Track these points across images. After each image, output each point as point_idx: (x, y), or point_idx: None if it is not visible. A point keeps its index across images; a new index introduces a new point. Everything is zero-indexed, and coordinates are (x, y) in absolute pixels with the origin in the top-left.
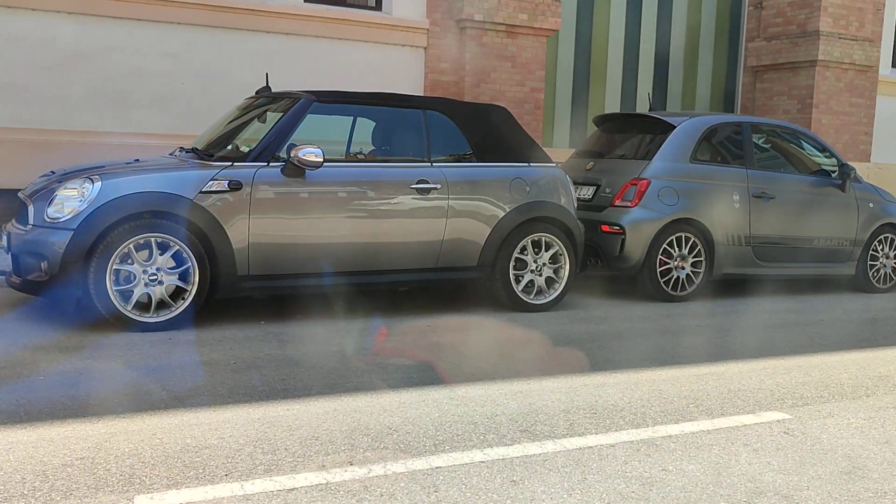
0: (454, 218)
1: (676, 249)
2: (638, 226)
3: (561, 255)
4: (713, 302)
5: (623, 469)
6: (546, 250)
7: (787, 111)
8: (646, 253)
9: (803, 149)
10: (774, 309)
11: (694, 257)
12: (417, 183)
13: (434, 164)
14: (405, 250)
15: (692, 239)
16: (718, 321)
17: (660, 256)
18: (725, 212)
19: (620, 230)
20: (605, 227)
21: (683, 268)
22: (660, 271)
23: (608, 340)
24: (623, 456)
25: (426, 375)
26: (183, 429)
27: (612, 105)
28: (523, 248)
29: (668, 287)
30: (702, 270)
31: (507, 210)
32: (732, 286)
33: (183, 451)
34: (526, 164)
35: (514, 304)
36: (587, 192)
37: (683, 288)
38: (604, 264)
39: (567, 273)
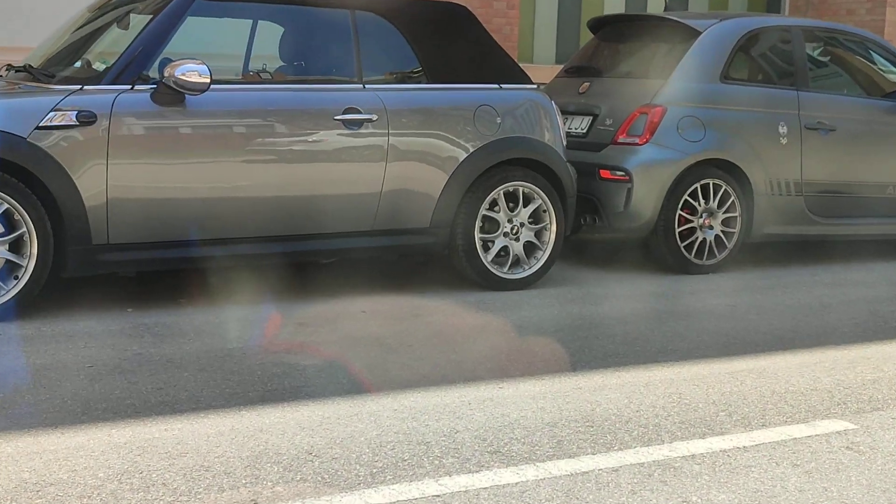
0: (397, 162)
1: (702, 202)
2: (650, 170)
3: (545, 211)
4: (751, 273)
5: (630, 502)
6: (525, 205)
7: (852, 11)
8: (660, 207)
9: (874, 63)
10: (833, 281)
11: (725, 213)
12: (345, 113)
13: (368, 86)
14: (328, 208)
15: (723, 188)
16: (758, 299)
17: (679, 212)
18: (769, 150)
19: (626, 177)
20: (606, 173)
21: (711, 227)
22: (679, 232)
23: (609, 327)
24: (629, 484)
25: (360, 380)
26: (18, 459)
27: (614, 5)
28: (493, 204)
29: (690, 254)
30: (736, 230)
31: (471, 150)
32: (777, 252)
33: (19, 490)
34: (496, 87)
35: (483, 280)
36: (581, 124)
37: (711, 254)
38: (604, 224)
39: (553, 237)
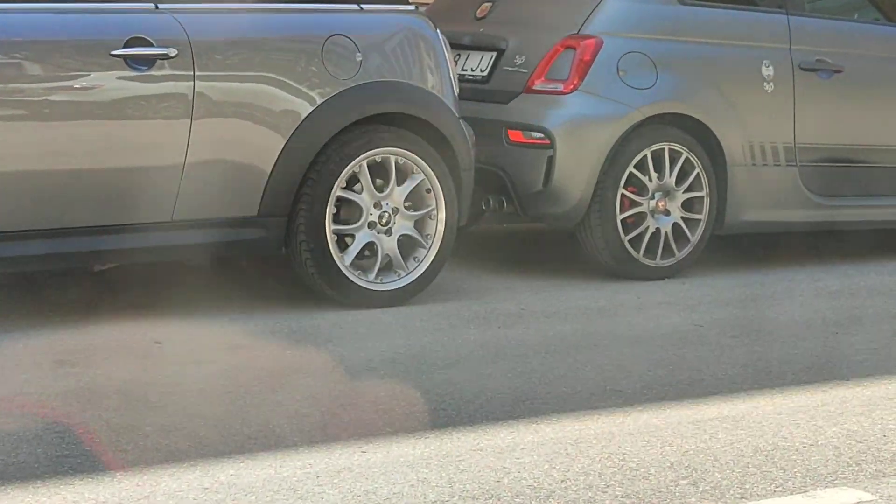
0: (207, 118)
1: (654, 177)
2: (579, 131)
3: (429, 191)
4: (724, 278)
5: None
6: (399, 183)
7: None
8: (595, 185)
9: None
10: (840, 289)
11: (687, 192)
12: (127, 46)
13: (163, 5)
14: (101, 189)
15: (684, 156)
16: (734, 316)
17: (623, 191)
18: (749, 100)
19: (546, 140)
20: (517, 136)
21: (668, 213)
22: (622, 220)
23: (523, 360)
24: None
25: (104, 455)
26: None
27: None
28: (353, 180)
29: (638, 251)
30: (702, 217)
31: (319, 102)
32: (761, 247)
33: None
34: (355, 7)
35: (338, 293)
36: (479, 63)
37: (668, 252)
38: (515, 209)
39: (442, 228)
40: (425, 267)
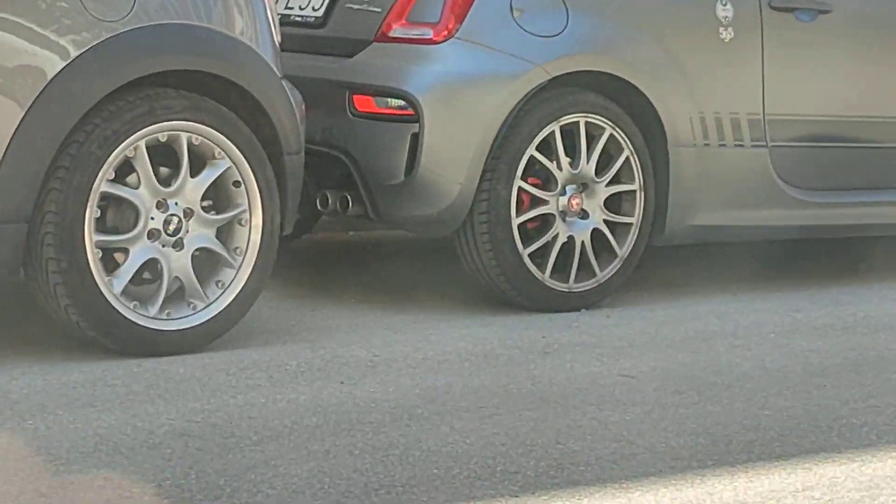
0: None
1: (564, 163)
2: (458, 97)
3: (238, 184)
4: (666, 306)
5: None
6: (194, 172)
7: None
8: (480, 175)
9: None
10: (825, 324)
11: (613, 184)
12: None
13: None
14: None
15: (607, 133)
16: (680, 362)
17: (521, 183)
18: (698, 53)
19: (408, 110)
20: (366, 103)
21: (585, 214)
22: (520, 225)
23: (368, 433)
24: None
25: None
26: None
27: None
28: (125, 168)
29: (543, 268)
30: (634, 220)
31: (74, 55)
32: (720, 262)
33: None
34: None
35: (105, 334)
36: (310, 1)
37: (586, 270)
38: (366, 209)
39: (257, 237)
40: (234, 295)
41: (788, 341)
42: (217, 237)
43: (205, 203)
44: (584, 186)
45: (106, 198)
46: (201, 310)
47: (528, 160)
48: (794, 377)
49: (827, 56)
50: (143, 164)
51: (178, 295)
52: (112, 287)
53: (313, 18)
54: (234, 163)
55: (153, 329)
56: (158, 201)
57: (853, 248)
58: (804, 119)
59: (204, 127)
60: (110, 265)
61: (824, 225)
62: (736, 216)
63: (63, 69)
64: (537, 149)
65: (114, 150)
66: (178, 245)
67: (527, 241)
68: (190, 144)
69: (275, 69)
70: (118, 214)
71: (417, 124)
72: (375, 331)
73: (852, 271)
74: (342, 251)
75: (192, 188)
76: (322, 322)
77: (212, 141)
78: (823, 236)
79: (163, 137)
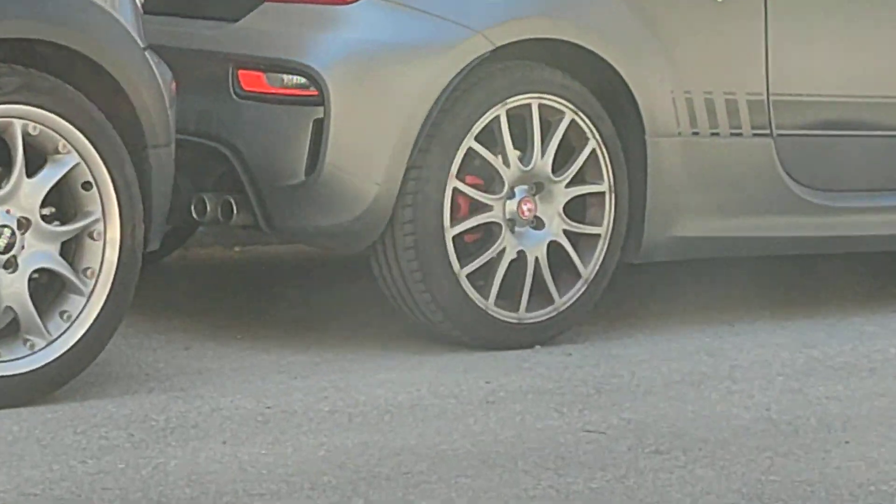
0: None
1: (512, 158)
2: (374, 73)
3: (89, 186)
4: (641, 342)
5: None
6: (32, 172)
7: None
8: (404, 172)
9: None
10: (845, 363)
11: (576, 184)
12: None
13: None
14: None
15: (566, 118)
16: (660, 412)
17: (455, 183)
18: (683, 17)
19: (310, 90)
20: (255, 80)
21: (539, 223)
22: (456, 237)
23: None
24: None
25: None
26: None
27: None
28: None
29: (485, 293)
30: (602, 231)
31: None
32: (704, 282)
33: None
34: None
35: None
36: None
37: (542, 295)
38: (255, 217)
39: (114, 255)
40: (84, 330)
41: (800, 385)
42: (62, 255)
43: (46, 211)
44: (538, 188)
45: None
46: (41, 349)
47: (466, 154)
48: (807, 432)
49: (850, 19)
50: None
51: (10, 330)
52: None
53: None
54: (83, 158)
55: None
56: None
57: (881, 266)
58: (820, 100)
59: (43, 112)
60: None
61: (845, 236)
62: (732, 225)
63: None
64: (477, 139)
65: None
66: (10, 265)
67: (465, 259)
68: (26, 135)
69: (136, 37)
70: None
71: (322, 108)
72: (268, 375)
73: (880, 296)
74: (225, 272)
75: (28, 192)
76: (199, 364)
77: (54, 130)
78: (844, 251)
79: None
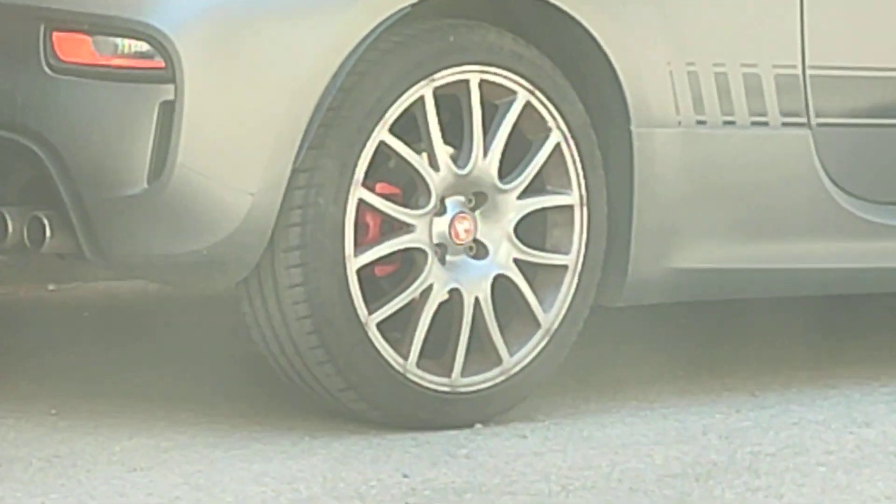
0: None
1: (442, 159)
2: (244, 36)
3: None
4: (624, 416)
5: None
6: None
7: None
8: (288, 176)
9: None
10: None
11: (533, 193)
12: None
13: None
14: None
15: (519, 100)
16: None
17: (359, 192)
18: None
19: (156, 63)
20: (76, 45)
21: (482, 249)
22: (360, 269)
23: None
24: None
25: None
26: None
27: None
28: None
29: (404, 351)
30: (569, 261)
31: None
32: (707, 328)
33: None
34: None
35: None
36: None
37: (483, 357)
38: (76, 242)
39: None
40: None
41: (849, 480)
42: None
43: None
44: (478, 199)
45: None
46: None
47: (377, 151)
48: None
49: None
50: None
51: None
52: None
53: None
54: None
55: None
56: None
57: None
58: (877, 76)
59: None
60: None
61: None
62: (752, 253)
63: None
64: (392, 131)
65: None
66: None
67: (374, 301)
68: None
69: None
70: None
71: (172, 86)
72: (95, 468)
73: None
74: (33, 320)
75: None
76: None
77: None
78: None
79: None
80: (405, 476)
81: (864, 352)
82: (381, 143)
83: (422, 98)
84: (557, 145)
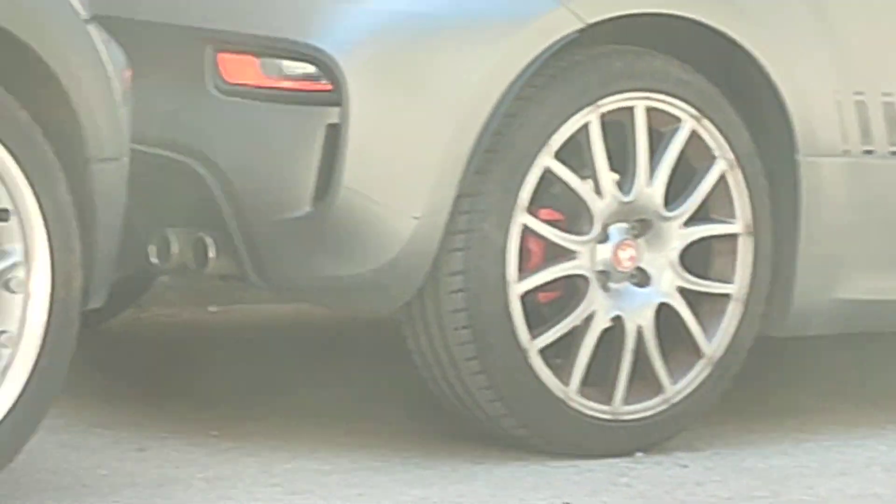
0: None
1: (607, 185)
2: (410, 60)
3: (5, 216)
4: (796, 447)
5: None
6: None
7: None
8: (453, 200)
9: None
10: None
11: (697, 222)
12: None
13: None
14: None
15: (685, 127)
16: None
17: (524, 218)
18: None
19: (323, 83)
20: (243, 66)
21: (644, 277)
22: (524, 295)
23: None
24: None
25: None
26: None
27: None
28: None
29: (565, 377)
30: (734, 290)
31: None
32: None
33: None
34: None
35: None
36: None
37: (646, 385)
38: (240, 263)
39: (40, 316)
40: None
41: None
42: None
43: None
44: (642, 227)
45: None
46: None
47: (542, 177)
48: None
49: None
50: None
51: None
52: None
53: None
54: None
55: None
56: None
57: None
58: None
59: None
60: None
61: None
62: None
63: None
64: (557, 156)
65: None
66: None
67: (537, 327)
68: None
69: (75, 4)
70: None
71: (338, 109)
72: (255, 488)
73: None
74: (195, 342)
75: None
76: (158, 472)
77: None
78: None
79: None
80: None
81: None
82: (546, 170)
83: (587, 125)
84: (723, 173)
